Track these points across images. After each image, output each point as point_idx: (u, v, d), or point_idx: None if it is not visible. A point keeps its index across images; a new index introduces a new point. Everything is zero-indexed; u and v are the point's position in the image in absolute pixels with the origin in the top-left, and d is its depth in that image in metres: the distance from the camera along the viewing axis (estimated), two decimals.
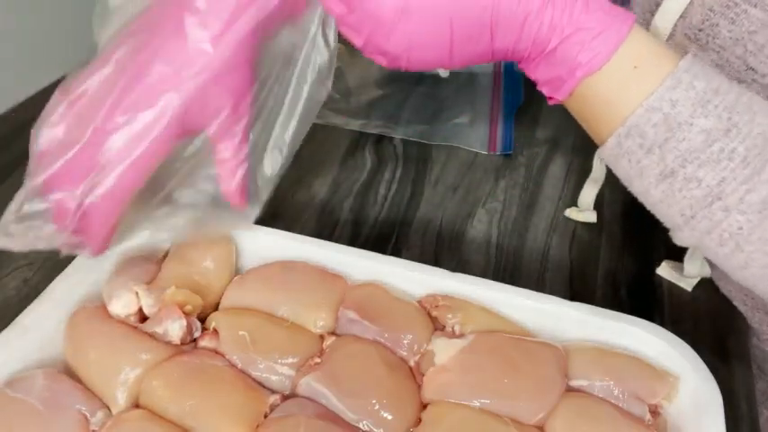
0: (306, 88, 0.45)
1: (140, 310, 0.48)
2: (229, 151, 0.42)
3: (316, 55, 0.45)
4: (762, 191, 0.35)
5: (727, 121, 0.35)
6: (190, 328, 0.47)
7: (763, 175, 0.35)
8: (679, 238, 0.39)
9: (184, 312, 0.47)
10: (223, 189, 0.44)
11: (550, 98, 0.41)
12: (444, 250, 0.63)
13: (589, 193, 0.64)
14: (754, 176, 0.35)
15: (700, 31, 0.45)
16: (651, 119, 0.36)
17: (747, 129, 0.35)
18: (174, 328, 0.47)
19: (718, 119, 0.35)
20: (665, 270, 0.60)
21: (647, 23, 0.50)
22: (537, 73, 0.40)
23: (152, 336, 0.47)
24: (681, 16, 0.46)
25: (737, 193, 0.35)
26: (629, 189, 0.41)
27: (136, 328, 0.47)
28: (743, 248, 0.36)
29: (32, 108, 0.80)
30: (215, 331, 0.48)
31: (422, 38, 0.38)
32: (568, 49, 0.37)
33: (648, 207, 0.41)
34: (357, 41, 0.40)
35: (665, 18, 0.47)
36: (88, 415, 0.43)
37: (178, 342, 0.47)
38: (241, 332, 0.47)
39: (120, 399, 0.44)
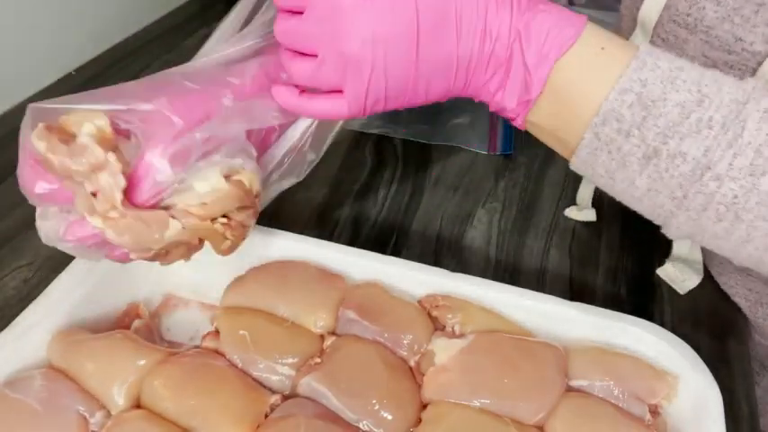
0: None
1: None
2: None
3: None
4: (748, 153, 0.35)
5: (698, 93, 0.36)
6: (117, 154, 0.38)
7: (745, 137, 0.35)
8: (674, 227, 0.39)
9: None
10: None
11: (515, 118, 0.40)
12: (444, 250, 0.63)
13: (587, 189, 0.64)
14: (738, 139, 0.35)
15: (687, 15, 0.46)
16: (625, 100, 0.36)
17: (718, 98, 0.35)
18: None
19: (688, 92, 0.36)
20: (663, 271, 0.60)
21: (633, 20, 0.51)
22: (510, 75, 0.39)
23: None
24: (666, 6, 0.47)
25: (725, 159, 0.35)
26: (612, 192, 0.40)
27: (127, 335, 0.47)
28: (742, 218, 0.36)
29: None
30: (216, 331, 0.48)
31: (388, 24, 0.36)
32: (536, 35, 0.38)
33: (635, 205, 0.40)
34: (311, 65, 0.39)
35: (652, 9, 0.48)
36: (87, 415, 0.43)
37: (87, 167, 0.38)
38: (241, 332, 0.47)
39: (120, 401, 0.44)
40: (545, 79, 0.38)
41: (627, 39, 0.52)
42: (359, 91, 0.39)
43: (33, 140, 0.38)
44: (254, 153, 0.44)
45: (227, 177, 0.41)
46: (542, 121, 0.40)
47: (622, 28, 0.55)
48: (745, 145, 0.34)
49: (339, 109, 0.40)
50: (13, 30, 0.80)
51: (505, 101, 0.40)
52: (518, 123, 0.41)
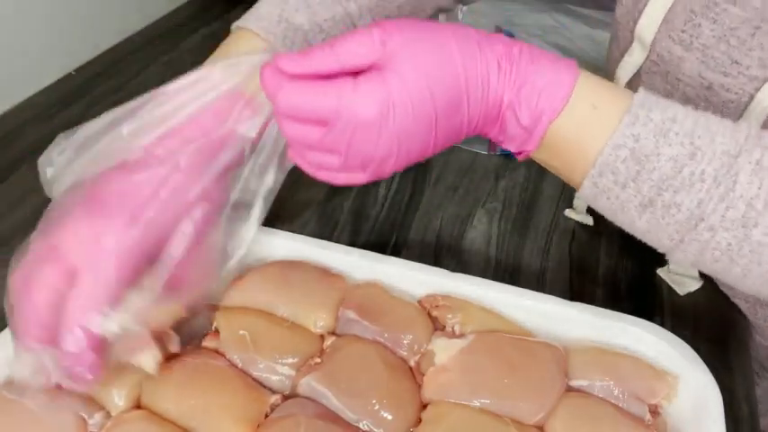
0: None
1: None
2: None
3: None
4: (740, 206, 0.35)
5: (690, 146, 0.36)
6: (165, 351, 0.44)
7: (737, 190, 0.35)
8: (674, 259, 0.40)
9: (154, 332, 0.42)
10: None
11: (520, 153, 0.41)
12: (444, 250, 0.63)
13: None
14: (730, 193, 0.35)
15: (683, 32, 0.46)
16: (619, 155, 0.37)
17: (711, 150, 0.36)
18: (148, 360, 0.43)
19: (681, 146, 0.36)
20: (664, 272, 0.60)
21: (630, 32, 0.51)
22: (508, 131, 0.40)
23: None
24: (663, 21, 0.47)
25: (718, 211, 0.36)
26: (615, 222, 0.41)
27: None
28: (737, 262, 0.37)
29: (32, 108, 0.80)
30: (216, 331, 0.48)
31: (410, 125, 0.37)
32: (527, 99, 0.38)
33: (638, 237, 0.41)
34: (334, 160, 0.38)
35: (650, 23, 0.48)
36: (86, 417, 0.43)
37: (154, 373, 0.43)
38: (241, 332, 0.47)
39: (119, 401, 0.44)
40: (540, 137, 0.39)
41: (624, 51, 0.52)
42: (381, 173, 0.40)
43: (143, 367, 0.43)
44: None
45: None
46: (544, 161, 0.41)
47: (618, 37, 0.54)
48: (737, 198, 0.35)
49: (359, 181, 0.40)
50: (13, 30, 0.80)
51: (505, 146, 0.41)
52: (521, 158, 0.42)
